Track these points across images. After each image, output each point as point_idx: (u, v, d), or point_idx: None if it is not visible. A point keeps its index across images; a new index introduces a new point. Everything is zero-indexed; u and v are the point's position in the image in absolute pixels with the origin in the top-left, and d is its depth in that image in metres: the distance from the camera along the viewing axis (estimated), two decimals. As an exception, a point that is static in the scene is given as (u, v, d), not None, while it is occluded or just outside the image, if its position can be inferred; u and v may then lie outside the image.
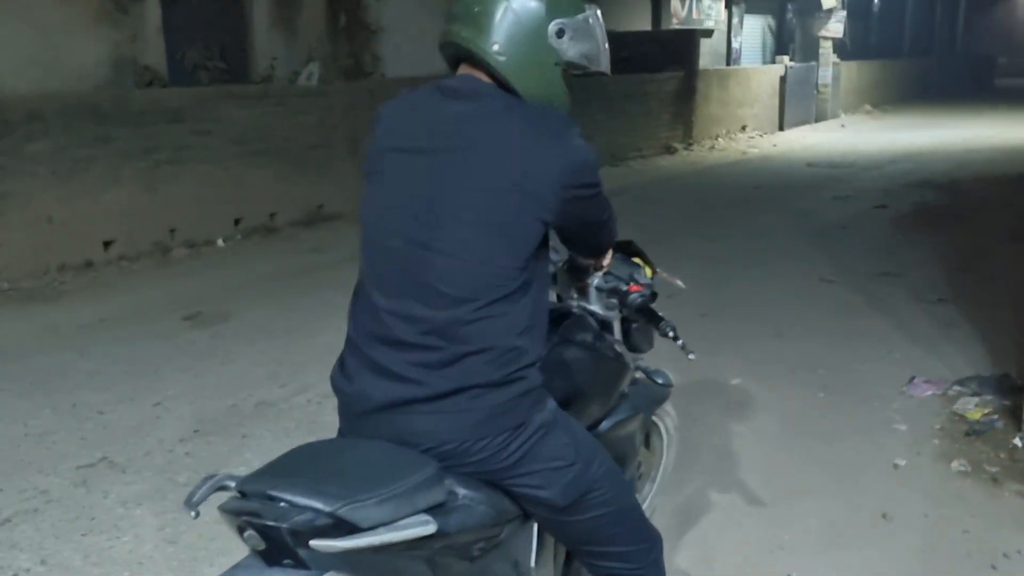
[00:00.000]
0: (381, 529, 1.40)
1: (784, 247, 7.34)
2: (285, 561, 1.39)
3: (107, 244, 6.89)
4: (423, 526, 1.46)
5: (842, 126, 18.39)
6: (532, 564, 1.83)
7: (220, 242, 7.62)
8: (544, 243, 1.66)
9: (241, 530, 1.40)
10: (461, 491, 1.59)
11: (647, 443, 2.69)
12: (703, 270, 6.55)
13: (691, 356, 2.10)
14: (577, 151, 1.65)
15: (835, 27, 18.40)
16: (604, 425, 2.15)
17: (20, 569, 2.82)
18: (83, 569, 2.74)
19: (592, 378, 2.06)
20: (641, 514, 1.89)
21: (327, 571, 1.39)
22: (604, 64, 1.81)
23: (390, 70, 10.60)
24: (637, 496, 2.68)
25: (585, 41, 1.74)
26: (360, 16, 10.38)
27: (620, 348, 2.25)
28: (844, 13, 18.41)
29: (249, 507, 1.38)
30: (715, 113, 15.60)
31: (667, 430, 2.75)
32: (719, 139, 15.52)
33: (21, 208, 6.31)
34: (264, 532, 1.37)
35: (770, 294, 5.91)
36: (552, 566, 1.96)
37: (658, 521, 2.97)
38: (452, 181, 1.61)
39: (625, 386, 2.25)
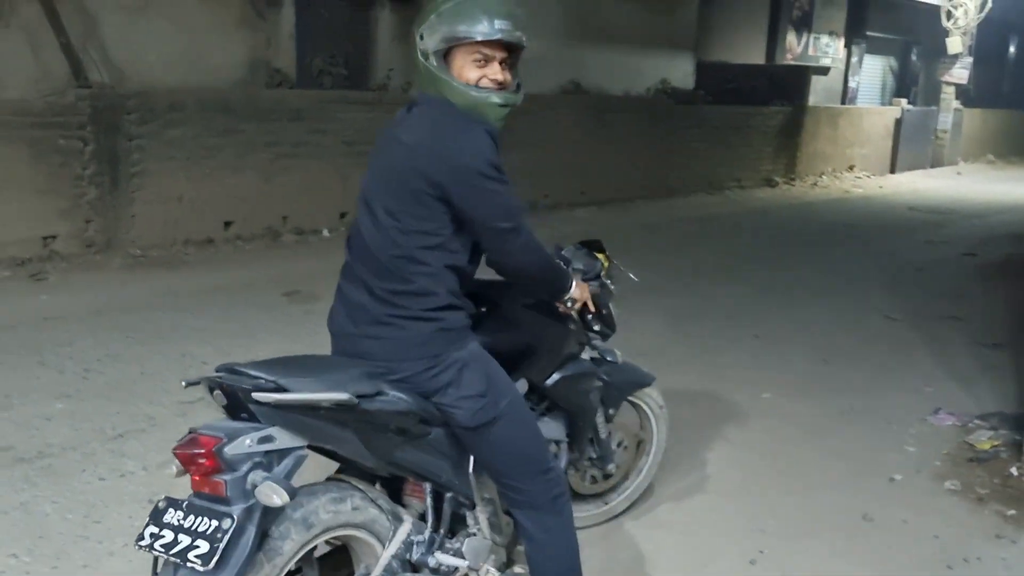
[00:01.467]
0: (308, 393, 1.91)
1: (857, 283, 7.50)
2: (242, 415, 1.90)
3: (227, 224, 7.70)
4: (339, 394, 1.96)
5: (958, 173, 17.98)
6: (471, 469, 2.29)
7: (325, 232, 8.35)
8: (458, 224, 2.12)
9: (211, 390, 1.93)
10: (390, 391, 2.09)
11: (642, 425, 3.12)
12: (768, 296, 6.83)
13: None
14: (451, 142, 2.07)
15: (960, 73, 18.02)
16: (554, 376, 2.59)
17: (126, 471, 3.46)
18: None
19: (536, 334, 2.52)
20: (545, 457, 2.30)
21: (273, 425, 1.88)
22: (482, 31, 2.07)
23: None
24: (637, 469, 3.11)
25: (441, 27, 2.08)
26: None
27: (572, 324, 2.65)
28: (970, 60, 18.01)
29: (217, 375, 1.92)
30: (822, 150, 15.59)
31: (652, 410, 3.16)
32: (823, 176, 15.50)
33: (156, 186, 7.16)
34: (224, 391, 1.90)
35: (828, 325, 6.14)
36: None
37: (659, 492, 3.38)
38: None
39: (571, 349, 2.67)
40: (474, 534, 2.34)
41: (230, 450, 1.80)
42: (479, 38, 2.08)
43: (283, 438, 1.88)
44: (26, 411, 3.99)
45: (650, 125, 12.16)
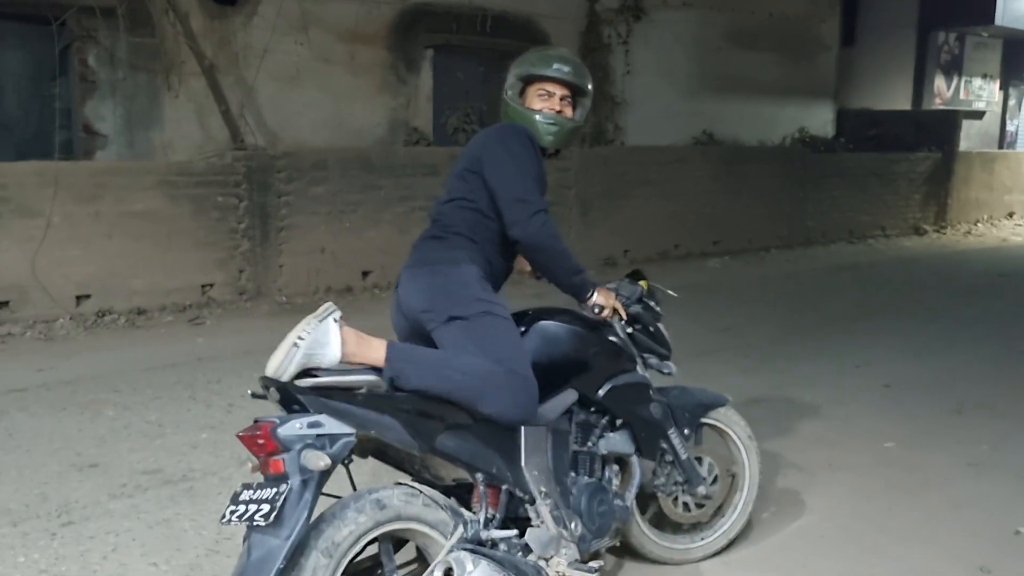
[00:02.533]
0: (339, 376, 2.21)
1: (1005, 335, 7.08)
2: (294, 407, 2.17)
3: (365, 274, 8.17)
4: (366, 377, 2.24)
5: None
6: (523, 463, 2.45)
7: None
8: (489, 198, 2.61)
9: (267, 388, 2.23)
10: None
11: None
12: (904, 346, 6.56)
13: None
14: (495, 131, 2.70)
15: None
16: (605, 387, 2.77)
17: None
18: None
19: (579, 346, 2.72)
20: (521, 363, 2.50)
21: (320, 413, 2.14)
22: (545, 70, 2.74)
23: (631, 139, 11.37)
24: (733, 505, 3.14)
25: (519, 68, 2.81)
26: (607, 89, 11.28)
27: (614, 336, 2.86)
28: None
29: (271, 377, 2.22)
30: (976, 197, 14.80)
31: (739, 438, 3.17)
32: (978, 224, 14.68)
33: (302, 238, 7.72)
34: (277, 387, 2.19)
35: (967, 376, 5.83)
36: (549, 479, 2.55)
37: (763, 535, 3.35)
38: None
39: (620, 362, 2.85)
40: (537, 527, 2.44)
41: (283, 431, 2.09)
42: (543, 74, 2.73)
43: (330, 424, 2.14)
44: (176, 439, 4.40)
45: (785, 174, 11.96)
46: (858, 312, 7.87)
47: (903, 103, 16.38)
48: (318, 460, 2.07)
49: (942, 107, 16.52)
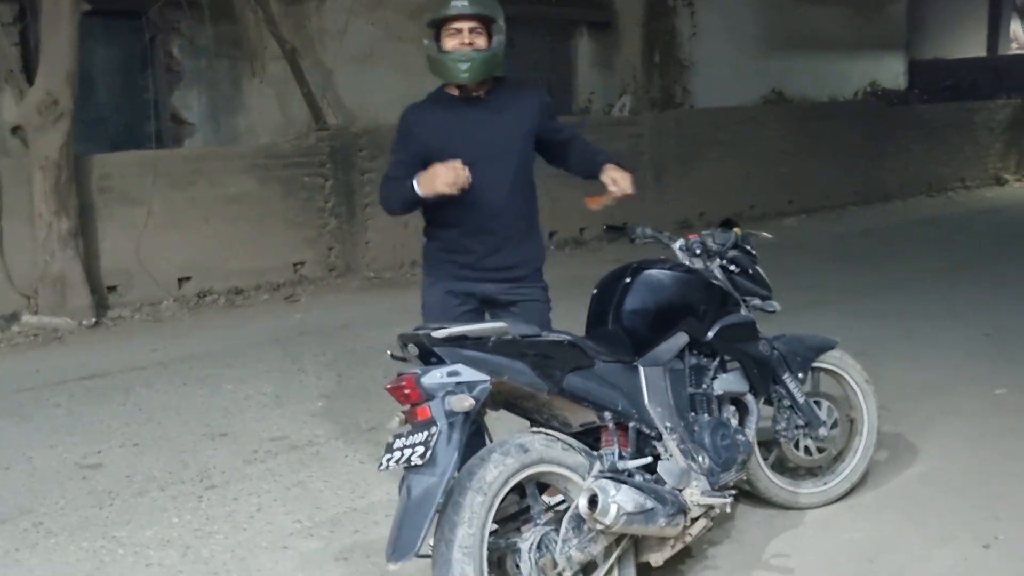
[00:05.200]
0: (470, 325, 2.36)
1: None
2: (432, 359, 2.32)
3: (446, 247, 8.29)
4: (495, 324, 2.41)
5: None
6: (646, 401, 2.60)
7: (536, 251, 8.76)
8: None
9: (405, 346, 2.38)
10: (552, 332, 2.58)
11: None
12: (999, 295, 6.46)
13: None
14: None
15: None
16: (714, 328, 2.86)
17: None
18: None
19: (682, 291, 2.88)
20: None
21: (456, 363, 2.29)
22: (445, 11, 2.78)
23: (699, 101, 11.27)
24: (853, 450, 3.21)
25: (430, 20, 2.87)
26: (674, 53, 11.18)
27: (714, 279, 3.00)
28: None
29: (409, 333, 2.38)
30: (1060, 143, 14.29)
31: (856, 383, 3.24)
32: (1063, 171, 14.20)
33: (385, 215, 7.83)
34: (415, 342, 2.34)
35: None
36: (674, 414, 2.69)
37: (883, 480, 3.39)
38: None
39: (725, 304, 2.96)
40: (667, 460, 2.55)
41: (426, 380, 2.25)
42: (445, 15, 2.79)
43: (467, 372, 2.29)
44: (294, 408, 4.60)
45: (860, 129, 11.73)
46: (945, 264, 7.74)
47: (978, 50, 15.88)
48: (463, 402, 2.21)
49: (1019, 51, 15.95)
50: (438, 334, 2.31)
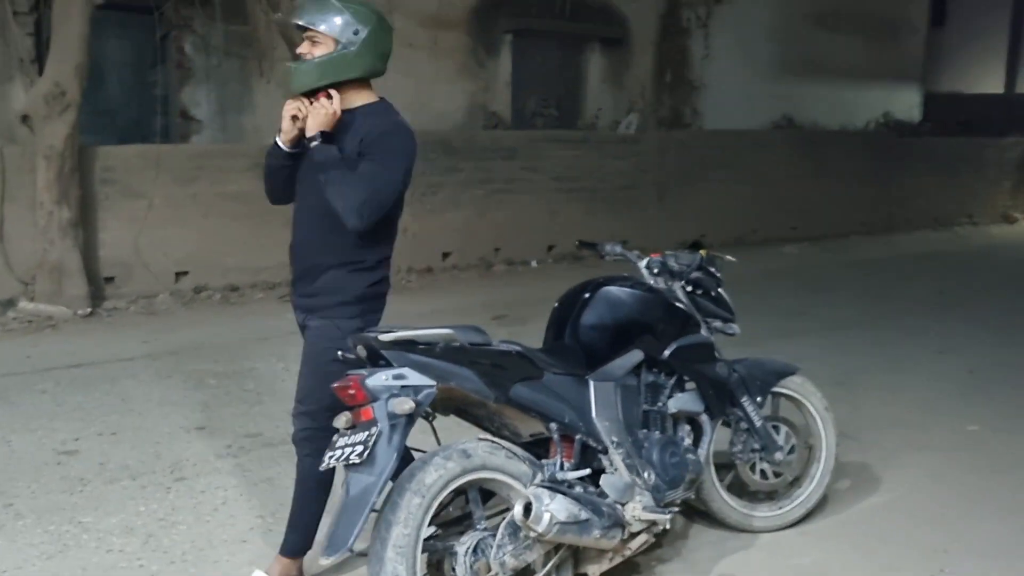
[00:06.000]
0: (416, 331, 2.39)
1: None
2: (380, 362, 2.37)
3: (445, 255, 8.38)
4: (442, 330, 2.42)
5: None
6: (594, 414, 2.63)
7: (534, 263, 8.84)
8: None
9: (353, 346, 2.45)
10: (502, 342, 2.59)
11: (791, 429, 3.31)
12: (989, 334, 6.45)
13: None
14: None
15: None
16: (671, 347, 2.90)
17: (349, 457, 3.98)
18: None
19: (640, 308, 2.92)
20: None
21: (403, 367, 2.34)
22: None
23: (709, 123, 11.33)
24: (810, 476, 3.24)
25: None
26: (685, 73, 11.25)
27: (675, 299, 3.04)
28: None
29: (358, 335, 2.45)
30: (1070, 183, 14.25)
31: (816, 410, 3.28)
32: (1072, 211, 14.14)
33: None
34: (364, 344, 2.41)
35: (1055, 362, 5.73)
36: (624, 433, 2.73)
37: (839, 507, 3.42)
38: None
39: (685, 325, 3.00)
40: (612, 474, 2.60)
41: (371, 382, 2.31)
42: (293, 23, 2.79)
43: (413, 376, 2.35)
44: (273, 407, 4.65)
45: (868, 159, 11.75)
46: (941, 299, 7.74)
47: (995, 86, 15.87)
48: (404, 404, 2.28)
49: (1036, 89, 15.95)
50: (386, 337, 2.37)
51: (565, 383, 2.61)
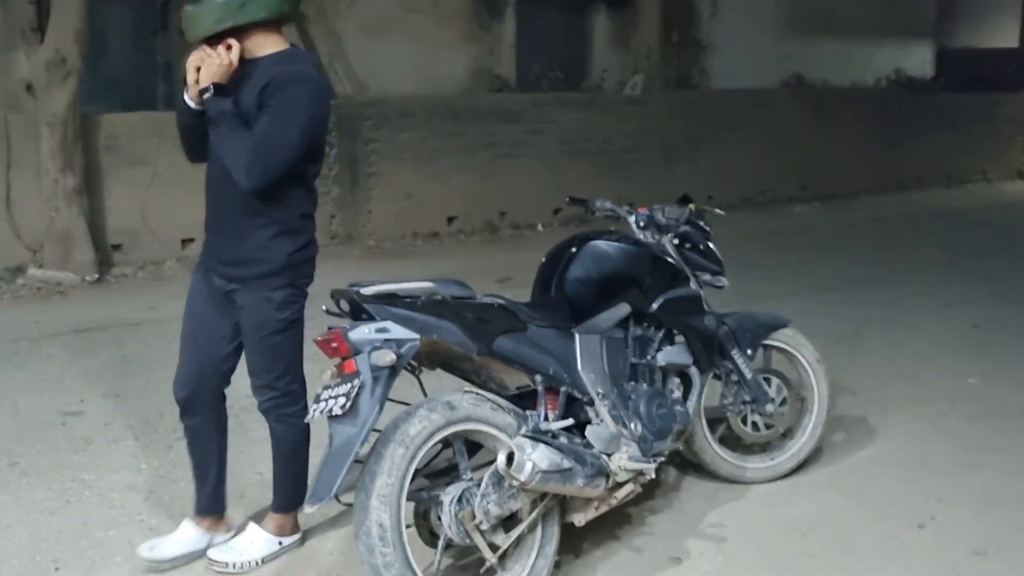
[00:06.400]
0: (396, 284, 2.42)
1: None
2: (363, 316, 2.40)
3: (450, 219, 8.38)
4: (422, 284, 2.46)
5: None
6: (579, 367, 2.64)
7: (540, 227, 8.82)
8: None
9: (337, 302, 2.47)
10: (485, 295, 2.64)
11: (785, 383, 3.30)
12: (996, 290, 6.42)
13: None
14: None
15: None
16: (658, 300, 2.89)
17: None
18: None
19: (624, 261, 2.91)
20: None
21: (385, 320, 2.36)
22: None
23: (717, 83, 11.20)
24: (802, 427, 3.25)
25: None
26: (692, 33, 11.11)
27: (663, 253, 3.04)
28: None
29: (340, 289, 2.47)
30: (1087, 139, 14.03)
31: (808, 362, 3.27)
32: (1088, 168, 13.94)
33: (389, 185, 7.96)
34: (347, 298, 2.44)
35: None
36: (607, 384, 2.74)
37: (833, 458, 3.44)
38: None
39: (673, 277, 3.00)
40: (597, 425, 2.61)
41: (354, 335, 2.34)
42: None
43: (396, 330, 2.37)
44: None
45: (879, 117, 11.60)
46: (950, 256, 7.69)
47: (1009, 40, 15.56)
48: (385, 356, 2.30)
49: (1053, 44, 15.63)
50: (367, 291, 2.39)
51: (550, 335, 2.63)
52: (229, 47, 2.47)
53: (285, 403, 2.72)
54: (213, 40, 2.48)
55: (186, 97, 2.59)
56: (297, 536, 2.92)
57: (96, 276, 6.52)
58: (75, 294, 6.29)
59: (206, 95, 2.47)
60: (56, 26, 6.31)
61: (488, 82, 9.37)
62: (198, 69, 2.49)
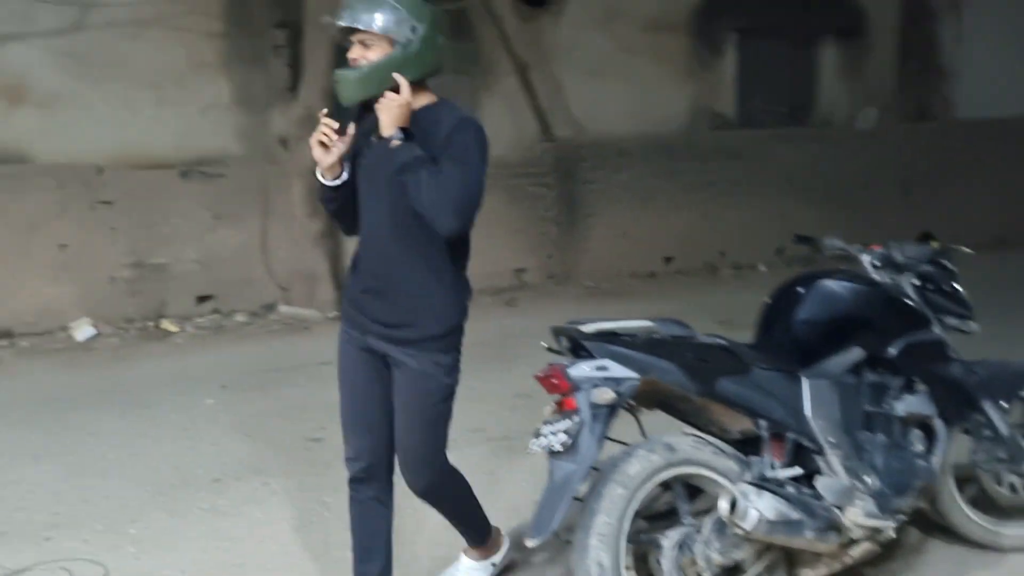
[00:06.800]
0: (616, 322, 2.40)
1: None
2: (582, 353, 2.42)
3: (668, 259, 8.31)
4: (642, 323, 2.44)
5: None
6: (808, 412, 2.50)
7: (762, 267, 8.53)
8: None
9: (558, 338, 2.51)
10: (707, 336, 2.57)
11: None
12: None
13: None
14: None
15: None
16: (897, 344, 2.69)
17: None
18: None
19: (861, 302, 2.74)
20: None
21: (604, 358, 2.35)
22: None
23: (962, 113, 10.37)
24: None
25: None
26: (932, 60, 10.39)
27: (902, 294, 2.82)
28: None
29: (561, 326, 2.51)
30: None
31: None
32: None
33: (606, 224, 8.03)
34: (567, 335, 2.48)
35: None
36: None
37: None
38: None
39: (915, 321, 2.77)
40: (828, 476, 2.43)
41: (574, 372, 2.35)
42: (338, 25, 2.45)
43: (615, 368, 2.36)
44: (494, 403, 4.86)
45: None
46: None
47: None
48: (604, 394, 2.31)
49: None
50: (587, 328, 2.41)
51: (775, 379, 2.52)
52: (396, 90, 2.38)
53: (440, 483, 2.66)
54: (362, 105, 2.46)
55: (320, 176, 2.51)
56: (505, 547, 2.98)
57: (336, 313, 7.05)
58: (318, 329, 6.83)
59: (394, 141, 2.38)
60: (308, 85, 6.98)
61: (708, 120, 9.26)
62: (322, 145, 2.44)
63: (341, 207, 2.56)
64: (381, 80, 2.37)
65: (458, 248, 2.53)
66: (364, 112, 2.48)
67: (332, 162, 2.45)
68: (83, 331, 6.43)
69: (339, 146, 2.43)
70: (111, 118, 7.38)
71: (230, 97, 7.73)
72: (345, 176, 2.50)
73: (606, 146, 8.07)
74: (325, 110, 2.49)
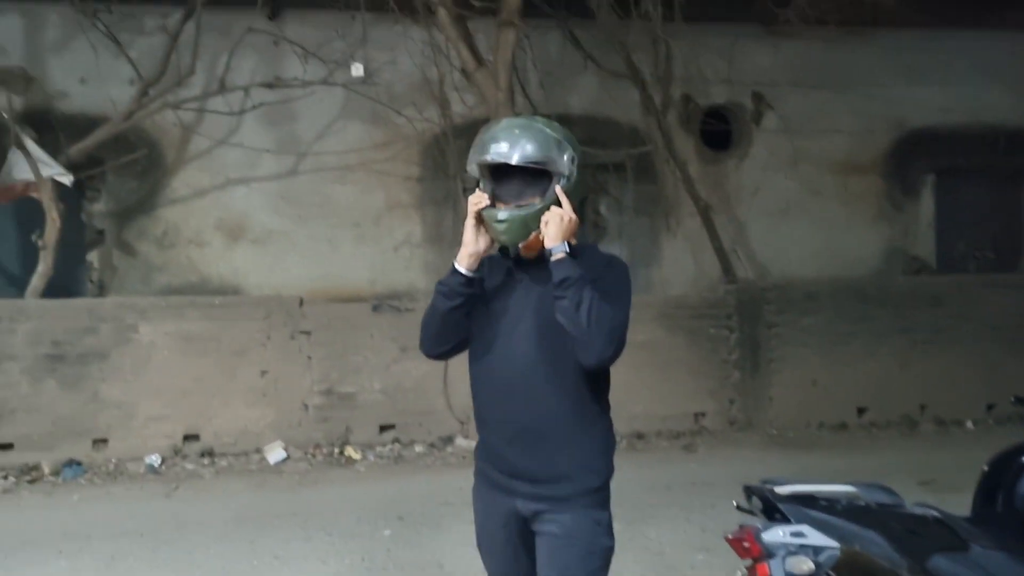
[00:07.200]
0: (811, 485, 2.23)
1: None
2: (776, 516, 2.21)
3: (860, 410, 7.77)
4: (839, 487, 2.25)
5: None
6: None
7: (969, 424, 7.80)
8: None
9: (749, 498, 2.38)
10: (917, 506, 2.34)
11: None
12: None
13: None
14: None
15: None
16: None
17: None
18: None
19: None
20: None
21: (801, 523, 2.16)
22: (479, 158, 2.30)
23: None
24: None
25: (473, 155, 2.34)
26: None
27: None
28: None
29: (754, 486, 2.38)
30: None
31: None
32: None
33: (792, 371, 7.66)
34: (760, 496, 2.29)
35: None
36: None
37: None
38: None
39: None
40: None
41: (767, 536, 2.18)
42: (484, 160, 2.27)
43: (813, 536, 2.16)
44: (674, 557, 4.60)
45: None
46: None
47: None
48: (802, 564, 2.13)
49: None
50: (782, 490, 2.25)
51: (998, 560, 2.21)
52: (559, 204, 2.28)
53: None
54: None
55: (458, 264, 2.36)
56: None
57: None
58: (492, 464, 6.82)
59: (557, 255, 2.24)
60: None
61: (903, 264, 8.81)
62: (479, 222, 2.33)
63: (458, 311, 2.37)
64: (538, 218, 2.27)
65: (605, 389, 2.34)
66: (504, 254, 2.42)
67: (482, 249, 2.34)
68: (275, 454, 6.76)
69: (487, 237, 2.33)
70: (314, 253, 8.00)
71: (422, 235, 8.19)
72: (479, 276, 2.37)
73: (792, 288, 7.81)
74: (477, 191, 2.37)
